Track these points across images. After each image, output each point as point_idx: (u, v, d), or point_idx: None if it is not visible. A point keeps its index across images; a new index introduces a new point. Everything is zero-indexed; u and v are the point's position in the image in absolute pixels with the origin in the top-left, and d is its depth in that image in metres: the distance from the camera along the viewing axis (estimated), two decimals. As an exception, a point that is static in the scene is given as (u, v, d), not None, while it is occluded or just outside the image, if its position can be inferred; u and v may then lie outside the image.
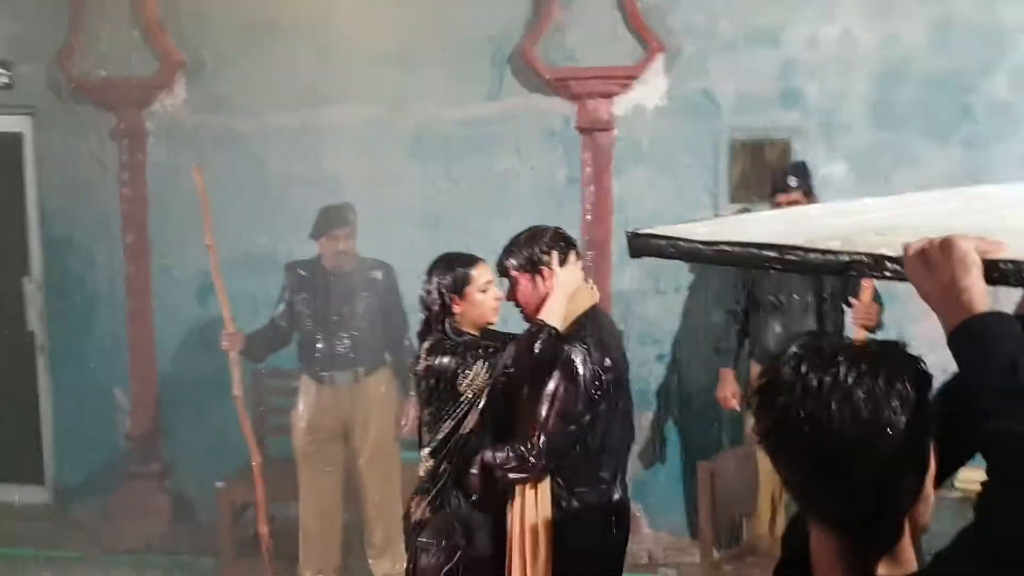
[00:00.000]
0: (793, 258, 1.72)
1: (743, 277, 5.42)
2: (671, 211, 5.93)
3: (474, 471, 3.35)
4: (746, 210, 5.83)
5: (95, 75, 6.32)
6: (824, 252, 1.68)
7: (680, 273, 5.97)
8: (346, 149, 6.21)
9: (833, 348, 1.45)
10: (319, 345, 5.18)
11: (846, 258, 1.66)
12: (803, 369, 1.43)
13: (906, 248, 1.54)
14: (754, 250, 1.77)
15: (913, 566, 1.47)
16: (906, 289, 5.09)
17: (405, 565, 3.53)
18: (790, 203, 5.09)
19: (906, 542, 1.47)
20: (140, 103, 6.36)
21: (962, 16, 5.60)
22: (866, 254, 1.64)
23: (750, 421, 5.38)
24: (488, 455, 3.33)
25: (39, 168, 6.63)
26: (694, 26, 5.85)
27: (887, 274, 1.61)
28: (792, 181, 5.15)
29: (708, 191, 5.91)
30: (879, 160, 5.60)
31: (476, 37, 6.06)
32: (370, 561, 5.35)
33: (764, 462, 5.23)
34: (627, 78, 5.87)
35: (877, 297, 5.03)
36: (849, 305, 5.12)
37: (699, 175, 5.92)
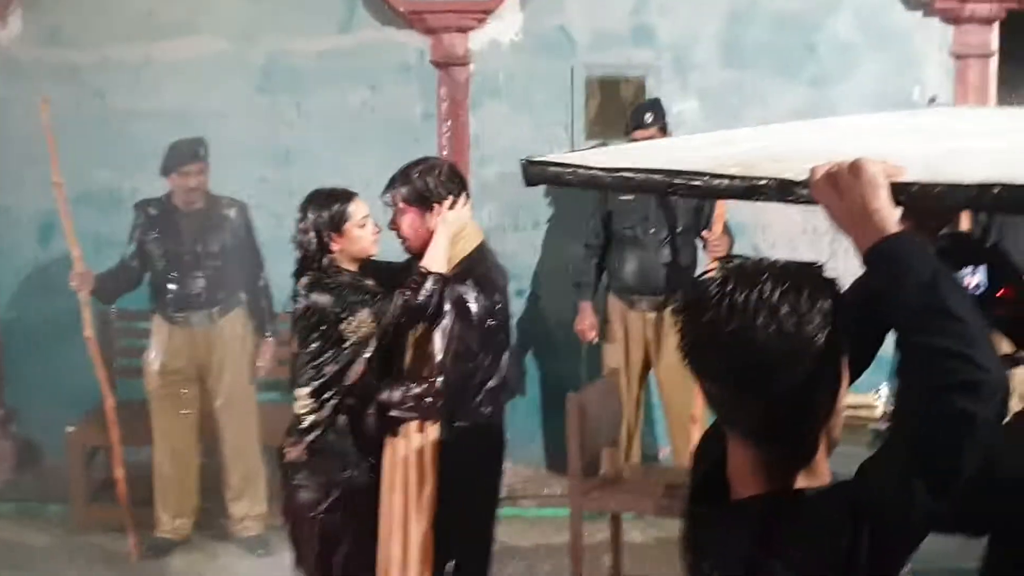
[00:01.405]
0: (699, 184, 1.74)
1: (600, 211, 5.50)
2: (528, 147, 5.86)
3: (371, 412, 3.33)
4: (603, 145, 5.90)
5: (-81, 2, 5.95)
6: (731, 177, 1.70)
7: (539, 208, 6.02)
8: (192, 83, 6.01)
9: (757, 267, 1.50)
10: (172, 286, 5.04)
11: (755, 182, 1.68)
12: (729, 286, 1.47)
13: (813, 172, 1.58)
14: (659, 176, 1.78)
15: (828, 479, 1.54)
16: (754, 221, 5.27)
17: (283, 504, 3.49)
18: (647, 139, 5.17)
19: (822, 455, 1.55)
20: (-29, 34, 6.02)
21: (807, -45, 5.75)
22: (772, 178, 1.67)
23: (609, 352, 5.50)
24: (384, 395, 3.31)
25: None
26: (549, -40, 5.85)
27: (794, 198, 1.64)
28: (648, 118, 5.23)
29: (564, 127, 5.95)
30: (729, 98, 5.73)
31: (327, -35, 5.93)
32: (228, 504, 5.26)
33: (626, 394, 5.38)
34: (482, 12, 5.83)
35: (727, 229, 5.17)
36: (702, 238, 5.25)
37: (555, 111, 5.94)
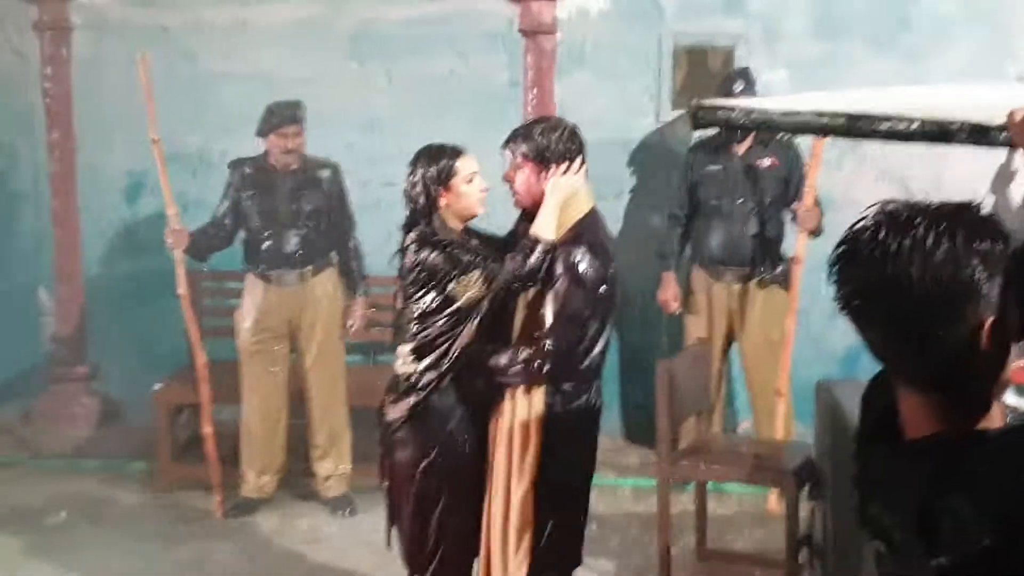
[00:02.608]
0: (884, 128, 1.73)
1: (687, 182, 5.47)
2: (612, 116, 5.95)
3: (480, 380, 3.35)
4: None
5: (15, -38, 6.04)
6: (921, 121, 1.68)
7: (622, 179, 6.01)
8: (281, 47, 6.08)
9: (910, 211, 1.46)
10: (266, 244, 5.08)
11: (948, 126, 1.66)
12: (882, 234, 1.45)
13: (1012, 115, 1.55)
14: (841, 119, 1.78)
15: (1000, 421, 1.51)
16: (844, 196, 5.22)
17: (381, 461, 3.50)
18: (737, 109, 5.14)
19: (994, 398, 1.51)
20: (65, -6, 6.11)
21: (904, -73, 5.68)
22: (965, 122, 1.65)
23: (692, 323, 5.49)
24: (492, 360, 3.31)
25: (-45, 60, 6.35)
26: (640, -71, 5.82)
27: (988, 141, 1.62)
28: (738, 87, 5.20)
29: (650, 96, 5.93)
30: (819, 69, 5.67)
31: (418, -66, 5.94)
32: (313, 463, 5.32)
33: (716, 361, 5.37)
34: (572, -20, 5.82)
35: (817, 203, 5.13)
36: (791, 210, 5.22)
37: (641, 80, 5.92)
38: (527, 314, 3.36)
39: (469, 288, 3.29)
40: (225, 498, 5.26)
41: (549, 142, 3.33)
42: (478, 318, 3.32)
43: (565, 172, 3.33)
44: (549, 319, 3.26)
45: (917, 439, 1.51)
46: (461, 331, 3.33)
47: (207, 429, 5.20)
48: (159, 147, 4.96)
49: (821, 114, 1.81)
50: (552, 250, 3.27)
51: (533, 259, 3.23)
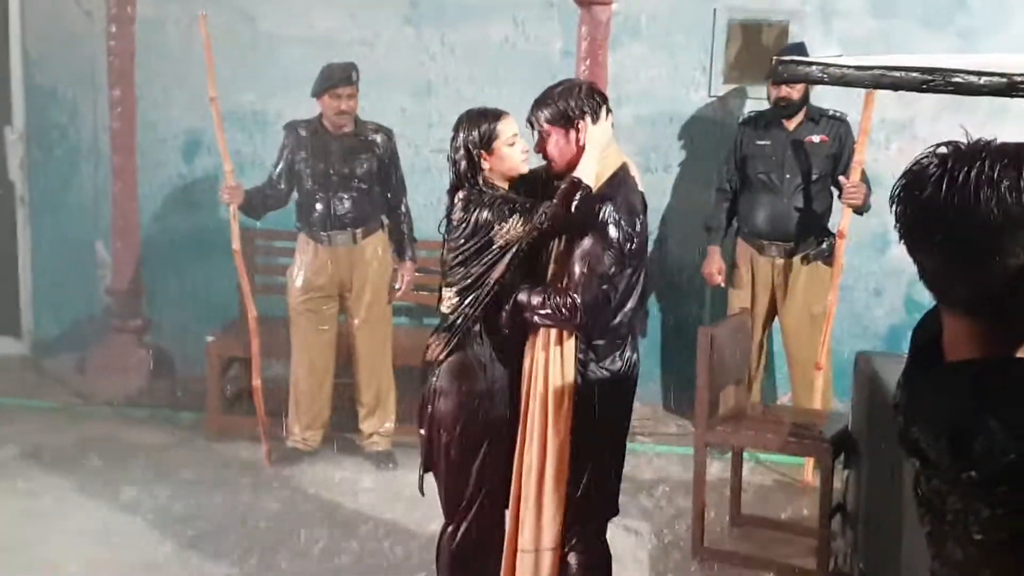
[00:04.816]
0: (958, 80, 1.79)
1: (735, 156, 5.51)
2: (664, 89, 5.99)
3: (507, 307, 3.43)
4: (741, 90, 5.90)
5: (84, -78, 6.18)
6: (991, 75, 1.74)
7: (671, 152, 6.05)
8: (340, 11, 6.17)
9: (975, 146, 1.54)
10: (319, 205, 5.18)
11: (1016, 80, 1.71)
12: (948, 163, 1.52)
13: None
14: (915, 73, 1.83)
15: None
16: (891, 174, 5.21)
17: (421, 410, 3.57)
18: (788, 84, 5.17)
19: None
20: (130, -47, 6.23)
21: (964, -95, 5.66)
22: None
23: (735, 297, 5.53)
24: (523, 296, 3.39)
25: (24, 16, 6.51)
26: (699, -97, 5.84)
27: None
28: (785, 58, 5.20)
29: (703, 70, 5.96)
30: (874, 47, 5.66)
31: (478, -99, 6.00)
32: (360, 419, 5.44)
33: (757, 333, 5.41)
34: (629, -48, 5.85)
35: (865, 179, 5.15)
36: (838, 186, 5.24)
37: (695, 54, 5.96)
38: (556, 268, 3.42)
39: (510, 231, 3.36)
40: (271, 449, 5.39)
41: (568, 102, 3.39)
42: (513, 251, 3.39)
43: (595, 122, 3.39)
44: (576, 275, 3.32)
45: (956, 361, 1.58)
46: (498, 267, 3.41)
47: (256, 382, 5.33)
48: (216, 105, 5.06)
49: (895, 68, 1.87)
50: (590, 195, 3.32)
51: (575, 201, 3.29)
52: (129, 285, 6.49)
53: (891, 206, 1.59)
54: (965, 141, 1.55)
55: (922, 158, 1.57)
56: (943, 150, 1.55)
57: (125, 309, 6.50)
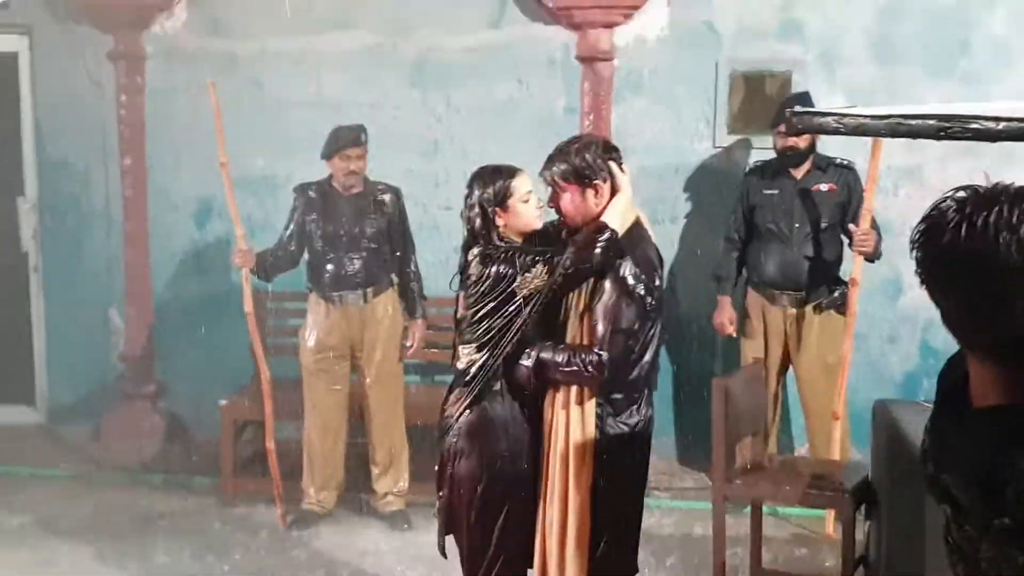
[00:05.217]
0: (976, 126, 1.79)
1: (743, 206, 5.52)
2: (669, 141, 6.02)
3: (527, 363, 3.41)
4: (746, 141, 5.92)
5: (94, -6, 6.27)
6: (1009, 120, 1.74)
7: (677, 203, 6.06)
8: (346, 75, 6.23)
9: (993, 191, 1.55)
10: (329, 266, 5.20)
11: None
12: (967, 209, 1.53)
13: None
14: (932, 120, 1.84)
15: None
16: (901, 220, 5.21)
17: (441, 471, 3.55)
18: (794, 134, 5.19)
19: None
20: (139, 24, 6.34)
21: (962, -47, 5.70)
22: None
23: (747, 347, 5.51)
24: (547, 354, 3.38)
25: (35, 88, 6.60)
26: (697, -44, 5.90)
27: None
28: (799, 110, 5.22)
29: (707, 122, 5.98)
30: (877, 94, 5.68)
31: (479, -37, 6.08)
32: (373, 479, 5.43)
33: (771, 384, 5.38)
34: (629, 8, 5.91)
35: (875, 226, 5.14)
36: (848, 234, 5.23)
37: (698, 106, 5.98)
38: (576, 324, 3.42)
39: (533, 280, 3.35)
40: (286, 511, 5.37)
41: (585, 159, 3.40)
42: (536, 302, 3.37)
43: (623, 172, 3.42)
44: (600, 331, 3.32)
45: (985, 407, 1.57)
46: (519, 318, 3.39)
47: (270, 444, 5.33)
48: (227, 169, 5.10)
49: (912, 116, 1.88)
50: (616, 239, 3.32)
51: (600, 244, 3.29)
52: (142, 351, 6.52)
53: (911, 251, 1.59)
54: (984, 185, 1.56)
55: (941, 203, 1.57)
56: (962, 195, 1.55)
57: (138, 375, 6.53)
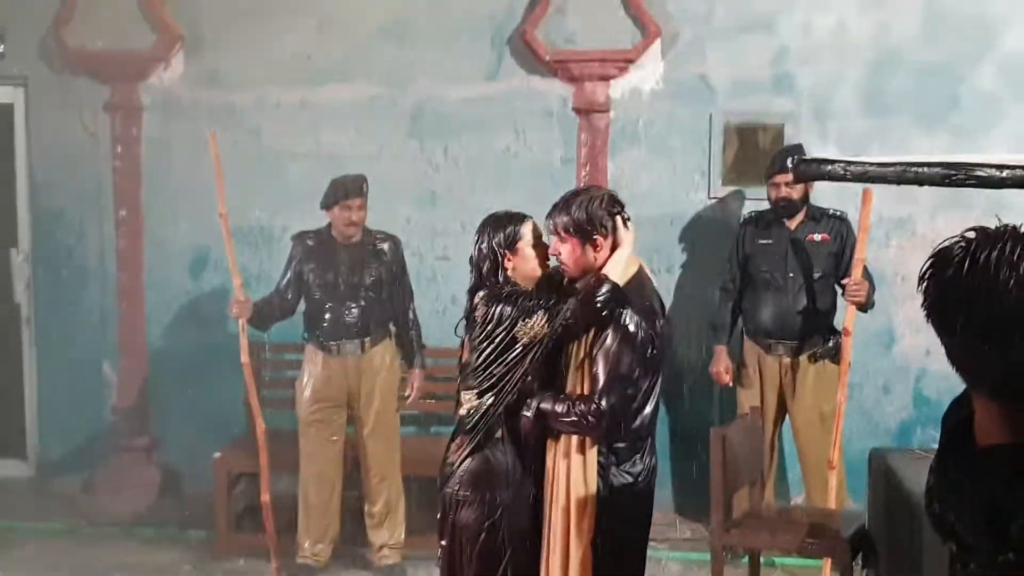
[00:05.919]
0: (981, 174, 1.83)
1: (738, 256, 5.55)
2: (664, 192, 6.07)
3: (527, 414, 3.42)
4: (740, 192, 5.98)
5: (90, 46, 6.29)
6: (1013, 167, 1.77)
7: (673, 253, 6.09)
8: (344, 125, 6.27)
9: (999, 230, 1.57)
10: (327, 315, 5.19)
11: None
12: (972, 247, 1.55)
13: None
14: (938, 168, 1.87)
15: None
16: (893, 271, 5.25)
17: (442, 521, 3.55)
18: (787, 184, 5.24)
19: None
20: (136, 76, 6.36)
21: (952, 8, 5.81)
22: None
23: (744, 396, 5.52)
24: (547, 404, 3.39)
25: (29, 140, 6.59)
26: (692, 12, 6.00)
27: None
28: (791, 162, 5.27)
29: (702, 173, 6.04)
30: (869, 147, 5.75)
31: (477, 16, 6.16)
32: (369, 531, 5.38)
33: (768, 433, 5.38)
34: (625, 61, 5.99)
35: (867, 275, 5.18)
36: (841, 284, 5.27)
37: (693, 157, 6.04)
38: (577, 373, 3.43)
39: (533, 328, 3.37)
40: (282, 566, 5.30)
41: (587, 214, 3.43)
42: (537, 351, 3.39)
43: (625, 225, 3.44)
44: (601, 380, 3.32)
45: (990, 446, 1.58)
46: (520, 366, 3.41)
47: (265, 497, 5.27)
48: (226, 220, 5.10)
49: (917, 164, 1.91)
50: (617, 291, 3.34)
51: (601, 296, 3.31)
52: (135, 403, 6.48)
53: (918, 287, 1.61)
54: (991, 227, 1.58)
55: (946, 243, 1.60)
56: (970, 234, 1.58)
57: (131, 427, 6.49)
